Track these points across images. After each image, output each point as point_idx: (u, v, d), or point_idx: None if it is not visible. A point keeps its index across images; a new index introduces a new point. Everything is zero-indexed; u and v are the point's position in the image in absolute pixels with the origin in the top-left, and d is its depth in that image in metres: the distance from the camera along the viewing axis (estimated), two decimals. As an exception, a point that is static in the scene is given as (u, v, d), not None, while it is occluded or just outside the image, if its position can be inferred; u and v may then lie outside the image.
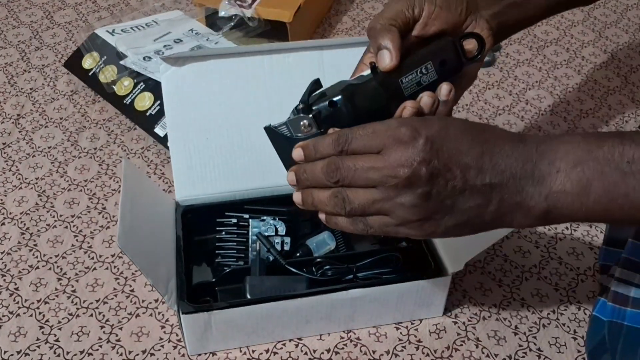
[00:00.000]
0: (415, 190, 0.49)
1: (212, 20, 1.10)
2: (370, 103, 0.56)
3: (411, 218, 0.50)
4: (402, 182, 0.49)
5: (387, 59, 0.55)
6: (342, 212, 0.52)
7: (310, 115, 0.56)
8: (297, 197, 0.56)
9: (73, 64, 1.04)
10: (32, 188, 0.89)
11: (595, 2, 0.77)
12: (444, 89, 0.57)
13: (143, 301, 0.75)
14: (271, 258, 0.73)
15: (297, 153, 0.55)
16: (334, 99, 0.56)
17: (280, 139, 0.58)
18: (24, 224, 0.84)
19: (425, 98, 0.56)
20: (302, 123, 0.56)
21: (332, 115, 0.56)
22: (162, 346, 0.71)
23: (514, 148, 0.51)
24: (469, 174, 0.50)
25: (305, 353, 0.71)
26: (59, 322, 0.73)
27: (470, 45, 0.60)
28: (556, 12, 0.71)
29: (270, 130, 0.58)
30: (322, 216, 0.55)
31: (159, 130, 0.92)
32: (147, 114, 0.94)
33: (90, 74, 1.01)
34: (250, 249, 0.74)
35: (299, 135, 0.56)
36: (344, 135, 0.52)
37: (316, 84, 0.58)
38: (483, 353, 0.71)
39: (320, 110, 0.56)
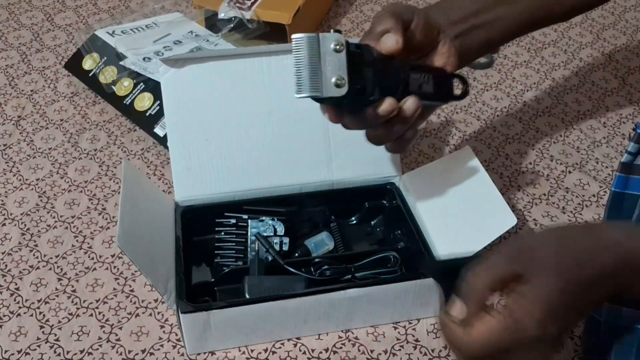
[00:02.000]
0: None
1: (212, 22, 1.11)
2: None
3: None
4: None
5: (393, 40, 0.57)
6: None
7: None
8: None
9: (73, 65, 1.04)
10: (32, 189, 0.89)
11: (570, 19, 0.78)
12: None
13: (143, 301, 0.76)
14: (270, 258, 0.73)
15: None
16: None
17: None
18: (25, 225, 0.84)
19: (410, 101, 0.59)
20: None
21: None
22: (162, 346, 0.72)
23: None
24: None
25: (304, 352, 0.71)
26: (59, 321, 0.74)
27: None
28: (525, 33, 0.73)
29: None
30: None
31: (158, 130, 0.93)
32: (147, 114, 0.95)
33: (90, 74, 1.01)
34: (249, 249, 0.75)
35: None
36: None
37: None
38: (480, 352, 0.72)
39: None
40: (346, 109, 0.59)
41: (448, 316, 0.52)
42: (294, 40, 0.54)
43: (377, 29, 0.58)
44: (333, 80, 0.53)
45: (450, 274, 0.55)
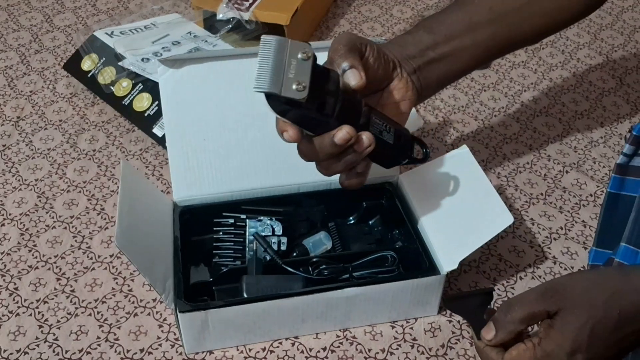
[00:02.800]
0: None
1: (210, 23, 1.11)
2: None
3: None
4: None
5: (357, 77, 0.56)
6: None
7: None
8: None
9: (72, 65, 1.05)
10: (31, 189, 0.90)
11: (537, 42, 0.76)
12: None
13: (141, 301, 0.76)
14: (268, 258, 0.73)
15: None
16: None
17: None
18: (24, 225, 0.85)
19: (366, 135, 0.57)
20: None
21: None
22: (160, 345, 0.72)
23: None
24: None
25: (302, 351, 0.72)
26: (58, 321, 0.74)
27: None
28: (488, 61, 0.72)
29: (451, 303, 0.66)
30: None
31: (157, 131, 0.93)
32: (146, 114, 0.95)
33: (89, 75, 1.01)
34: (247, 248, 0.75)
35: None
36: None
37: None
38: (477, 351, 0.72)
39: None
40: (304, 128, 0.56)
41: (483, 341, 0.58)
42: (262, 40, 0.53)
43: (339, 64, 0.57)
44: (294, 83, 0.52)
45: (474, 307, 0.61)
